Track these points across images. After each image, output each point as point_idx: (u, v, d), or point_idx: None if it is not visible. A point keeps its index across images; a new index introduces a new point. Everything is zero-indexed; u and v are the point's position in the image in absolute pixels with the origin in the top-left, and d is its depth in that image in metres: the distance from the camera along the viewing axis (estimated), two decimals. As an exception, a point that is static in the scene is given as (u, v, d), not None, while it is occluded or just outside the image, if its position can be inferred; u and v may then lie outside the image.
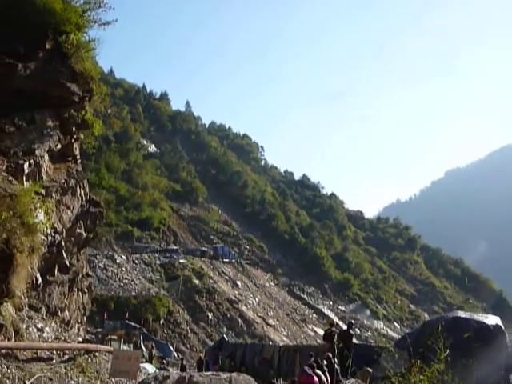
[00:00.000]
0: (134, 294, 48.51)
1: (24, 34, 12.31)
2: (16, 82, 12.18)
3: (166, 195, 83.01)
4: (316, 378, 9.73)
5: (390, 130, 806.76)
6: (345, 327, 18.19)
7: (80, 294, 18.19)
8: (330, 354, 12.50)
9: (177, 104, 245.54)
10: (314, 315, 67.87)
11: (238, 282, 64.04)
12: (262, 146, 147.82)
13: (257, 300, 61.45)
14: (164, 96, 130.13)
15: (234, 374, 10.02)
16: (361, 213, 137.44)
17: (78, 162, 16.52)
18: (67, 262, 15.42)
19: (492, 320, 13.52)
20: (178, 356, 38.01)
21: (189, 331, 46.82)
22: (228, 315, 52.70)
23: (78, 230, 16.17)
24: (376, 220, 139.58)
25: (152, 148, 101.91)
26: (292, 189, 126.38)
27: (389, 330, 71.70)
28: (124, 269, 53.74)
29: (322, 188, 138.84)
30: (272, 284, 73.26)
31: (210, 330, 48.71)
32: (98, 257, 53.05)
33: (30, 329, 10.94)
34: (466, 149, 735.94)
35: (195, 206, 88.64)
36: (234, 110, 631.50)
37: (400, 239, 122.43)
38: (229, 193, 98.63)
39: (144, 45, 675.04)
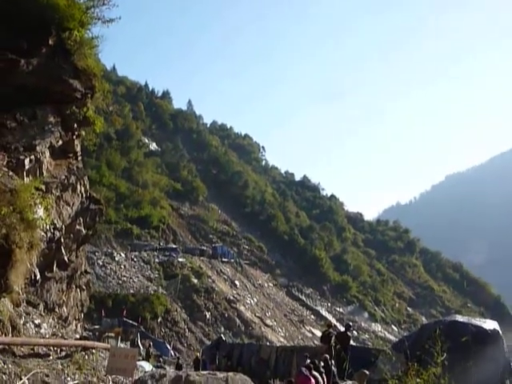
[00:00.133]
0: (132, 291, 48.59)
1: (27, 30, 12.26)
2: (18, 77, 12.16)
3: (166, 194, 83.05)
4: (313, 380, 9.75)
5: (392, 133, 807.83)
6: (342, 329, 18.22)
7: (78, 290, 18.20)
8: (327, 356, 12.52)
9: (179, 103, 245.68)
10: (312, 316, 67.87)
11: (237, 282, 64.03)
12: (263, 147, 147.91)
13: (255, 300, 61.45)
14: (166, 94, 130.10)
15: (230, 374, 10.00)
16: (360, 215, 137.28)
17: (79, 158, 16.49)
18: (66, 259, 15.42)
19: (490, 325, 13.51)
20: (175, 355, 38.01)
21: (186, 330, 46.84)
22: (226, 315, 52.71)
23: (78, 227, 16.17)
24: (376, 222, 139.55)
25: (153, 146, 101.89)
26: (292, 189, 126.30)
27: (386, 333, 71.71)
28: (123, 266, 53.82)
29: (323, 189, 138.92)
30: (270, 284, 73.22)
31: (207, 330, 48.73)
32: (96, 254, 53.16)
33: (28, 325, 10.93)
34: (467, 153, 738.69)
35: (195, 204, 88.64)
36: (238, 111, 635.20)
37: (399, 242, 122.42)
38: (229, 192, 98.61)
39: (147, 43, 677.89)
